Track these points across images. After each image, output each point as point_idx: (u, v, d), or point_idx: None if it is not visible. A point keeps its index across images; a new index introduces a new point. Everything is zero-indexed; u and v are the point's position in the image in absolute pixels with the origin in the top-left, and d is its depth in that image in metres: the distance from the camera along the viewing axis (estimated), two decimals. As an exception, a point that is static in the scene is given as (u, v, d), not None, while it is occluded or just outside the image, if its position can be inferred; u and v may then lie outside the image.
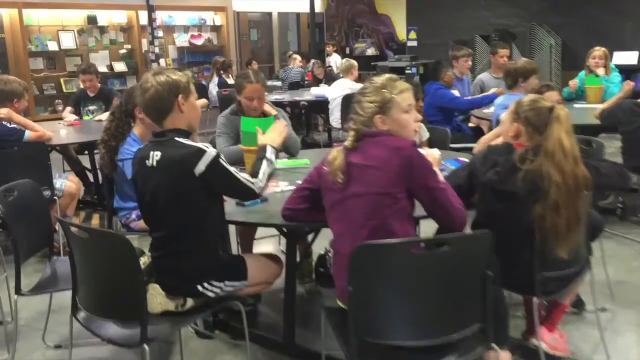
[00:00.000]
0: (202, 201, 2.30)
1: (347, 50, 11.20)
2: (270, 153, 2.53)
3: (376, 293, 1.87)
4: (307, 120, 7.73)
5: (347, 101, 6.25)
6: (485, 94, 5.36)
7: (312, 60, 8.92)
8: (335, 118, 6.33)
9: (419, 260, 1.86)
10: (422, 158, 2.07)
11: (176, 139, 2.30)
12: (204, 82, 9.81)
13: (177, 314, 2.34)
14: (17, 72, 9.99)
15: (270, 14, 13.58)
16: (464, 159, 3.25)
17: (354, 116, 2.19)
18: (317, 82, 7.75)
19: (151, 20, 8.65)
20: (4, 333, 3.18)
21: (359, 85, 6.42)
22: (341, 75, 7.15)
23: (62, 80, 10.56)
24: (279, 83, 9.02)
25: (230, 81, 8.54)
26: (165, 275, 2.33)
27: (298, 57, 8.98)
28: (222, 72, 8.69)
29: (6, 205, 2.66)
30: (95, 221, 5.11)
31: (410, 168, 2.02)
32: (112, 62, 11.20)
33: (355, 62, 6.53)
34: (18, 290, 2.63)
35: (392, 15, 11.48)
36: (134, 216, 3.30)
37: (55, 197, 4.13)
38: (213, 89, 8.64)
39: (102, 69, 10.95)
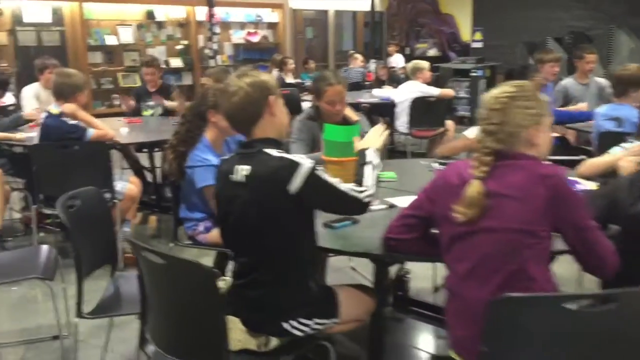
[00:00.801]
0: (295, 222, 1.95)
1: (408, 51, 10.75)
2: (373, 156, 2.18)
3: (517, 357, 1.49)
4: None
5: (417, 105, 5.85)
6: (578, 108, 4.88)
7: (372, 61, 8.52)
8: (402, 122, 5.93)
9: (576, 319, 1.47)
10: (571, 190, 1.67)
11: (266, 150, 1.96)
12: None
13: (259, 354, 2.00)
14: (76, 66, 9.91)
15: (326, 12, 13.23)
16: (574, 178, 2.80)
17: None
18: (379, 83, 7.35)
19: (210, 15, 8.41)
20: (60, 349, 2.93)
21: (431, 89, 6.12)
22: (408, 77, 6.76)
23: (119, 75, 10.45)
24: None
25: (289, 79, 8.22)
26: (248, 309, 1.99)
27: (359, 57, 8.60)
28: (279, 69, 8.37)
29: (70, 217, 2.37)
30: (152, 223, 4.86)
31: (559, 201, 1.63)
32: (169, 58, 11.05)
33: (425, 64, 6.10)
34: (79, 313, 2.34)
35: (457, 15, 10.95)
36: (201, 228, 2.99)
37: (116, 201, 3.87)
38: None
39: (160, 64, 10.82)
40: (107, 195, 3.85)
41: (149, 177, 5.29)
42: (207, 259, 3.34)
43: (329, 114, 3.13)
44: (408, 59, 10.32)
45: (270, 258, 1.97)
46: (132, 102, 5.68)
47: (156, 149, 5.06)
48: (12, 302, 3.53)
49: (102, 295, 2.52)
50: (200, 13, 11.11)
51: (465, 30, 10.87)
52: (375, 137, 2.32)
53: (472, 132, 2.14)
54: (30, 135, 4.43)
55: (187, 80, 11.11)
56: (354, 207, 2.02)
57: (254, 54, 12.19)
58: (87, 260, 2.41)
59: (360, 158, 2.18)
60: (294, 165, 1.89)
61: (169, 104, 5.57)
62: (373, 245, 2.07)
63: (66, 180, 3.77)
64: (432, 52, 11.06)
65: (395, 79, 7.46)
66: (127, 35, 10.46)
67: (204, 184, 2.83)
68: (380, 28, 13.62)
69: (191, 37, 11.15)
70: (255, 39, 11.97)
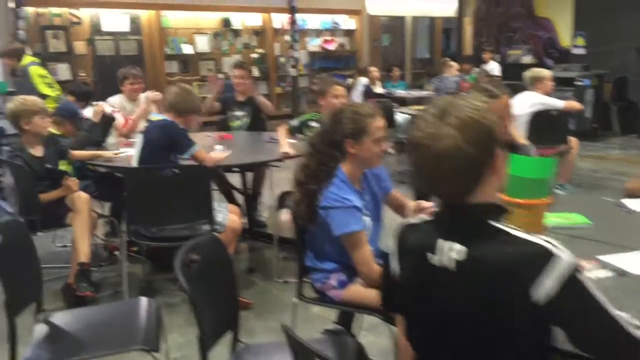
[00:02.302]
0: (528, 343, 1.25)
1: (498, 58, 9.92)
2: None
3: None
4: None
5: (538, 119, 5.09)
6: None
7: (476, 69, 7.78)
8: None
9: None
10: None
11: (492, 223, 1.28)
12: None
13: None
14: (153, 76, 9.60)
15: (402, 18, 12.55)
16: None
17: None
18: (480, 93, 6.64)
19: (292, 22, 7.90)
20: None
21: (555, 101, 5.29)
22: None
23: (194, 84, 10.08)
24: (424, 93, 8.00)
25: (377, 89, 7.60)
26: None
27: (454, 65, 7.87)
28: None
29: (190, 279, 1.79)
30: (243, 252, 4.31)
31: None
32: (244, 67, 10.61)
33: (546, 72, 5.33)
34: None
35: (555, 19, 9.99)
36: (334, 282, 2.37)
37: (216, 234, 3.31)
38: (356, 97, 7.73)
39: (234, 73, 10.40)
40: (206, 228, 3.31)
41: (238, 198, 4.76)
42: (333, 313, 2.74)
43: None
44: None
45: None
46: (220, 80, 5.12)
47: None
48: None
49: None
50: (277, 20, 10.66)
51: (565, 35, 9.89)
52: None
53: None
54: (124, 151, 3.96)
55: (262, 90, 10.64)
56: (628, 352, 1.22)
57: (329, 63, 11.64)
58: (210, 329, 1.83)
59: None
60: (546, 255, 1.19)
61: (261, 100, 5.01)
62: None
63: (161, 209, 3.26)
64: (527, 59, 10.16)
65: (498, 89, 6.70)
66: (203, 44, 10.09)
67: (343, 231, 2.21)
68: (457, 34, 12.84)
69: (267, 45, 10.69)
70: (331, 46, 11.41)
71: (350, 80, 11.60)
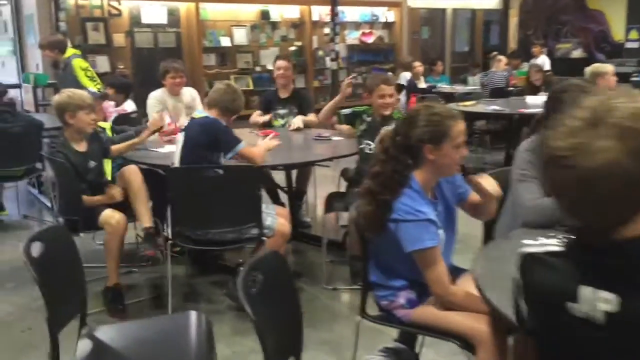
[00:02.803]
0: None
1: (545, 52, 9.49)
2: None
3: None
4: (516, 135, 6.25)
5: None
6: None
7: (524, 63, 7.41)
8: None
9: None
10: None
11: None
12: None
13: None
14: (191, 68, 9.44)
15: (443, 10, 12.17)
16: None
17: None
18: (532, 89, 6.28)
19: (333, 14, 7.63)
20: None
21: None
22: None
23: (232, 77, 9.92)
24: (468, 88, 7.66)
25: (421, 84, 7.29)
26: None
27: (503, 59, 7.50)
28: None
29: (254, 303, 1.57)
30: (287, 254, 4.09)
31: None
32: (282, 60, 10.40)
33: (608, 67, 4.97)
34: None
35: (607, 11, 9.50)
36: (402, 300, 2.13)
37: (264, 239, 3.11)
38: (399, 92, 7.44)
39: (271, 66, 10.17)
40: (254, 232, 3.10)
41: (281, 197, 4.54)
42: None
43: None
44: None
45: None
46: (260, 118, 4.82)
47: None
48: None
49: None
50: (316, 13, 10.41)
51: (618, 28, 9.40)
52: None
53: None
54: (164, 150, 3.78)
55: (300, 84, 10.41)
56: None
57: (368, 56, 11.35)
58: (273, 353, 1.61)
59: None
60: None
61: (305, 119, 4.68)
62: None
63: (207, 212, 3.07)
64: (577, 53, 9.70)
65: (552, 85, 6.34)
66: (241, 36, 9.91)
67: (415, 247, 1.97)
68: (500, 27, 12.41)
69: (305, 38, 10.45)
70: (370, 39, 11.11)
71: (389, 75, 11.31)
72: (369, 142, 3.60)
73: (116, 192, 3.38)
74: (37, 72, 8.04)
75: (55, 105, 3.35)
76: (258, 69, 10.13)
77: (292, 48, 10.45)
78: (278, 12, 10.13)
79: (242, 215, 3.09)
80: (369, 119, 3.68)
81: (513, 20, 10.92)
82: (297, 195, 4.55)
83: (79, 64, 5.28)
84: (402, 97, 7.38)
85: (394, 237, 2.00)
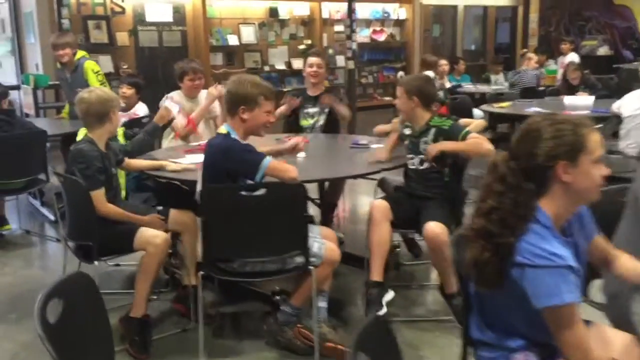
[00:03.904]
0: None
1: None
2: None
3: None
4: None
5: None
6: None
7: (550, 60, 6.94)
8: (632, 144, 4.39)
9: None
10: None
11: None
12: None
13: None
14: (196, 68, 8.97)
15: (455, 7, 11.73)
16: None
17: None
18: (569, 88, 5.81)
19: (350, 11, 7.16)
20: None
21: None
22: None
23: (240, 77, 9.44)
24: (495, 87, 7.18)
25: (446, 84, 6.81)
26: None
27: (534, 57, 7.03)
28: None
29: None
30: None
31: None
32: (290, 59, 9.94)
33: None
34: None
35: (634, 7, 9.03)
36: (517, 363, 1.66)
37: (311, 267, 2.63)
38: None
39: (280, 65, 9.76)
40: (299, 261, 2.62)
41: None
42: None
43: None
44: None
45: None
46: (296, 101, 4.29)
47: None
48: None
49: None
50: (326, 10, 9.94)
51: (646, 24, 8.98)
52: None
53: None
54: (187, 162, 3.29)
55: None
56: None
57: (378, 54, 10.91)
58: None
59: None
60: None
61: (341, 109, 4.20)
62: None
63: (246, 238, 2.58)
64: (603, 50, 9.24)
65: (590, 85, 5.89)
66: (248, 35, 9.43)
67: (550, 303, 1.49)
68: (515, 24, 11.97)
69: (315, 36, 9.99)
70: (381, 37, 10.66)
71: (400, 74, 10.83)
72: (412, 155, 3.13)
73: (158, 223, 2.91)
74: (37, 72, 7.53)
75: (99, 100, 2.84)
76: (267, 68, 9.66)
77: (302, 47, 9.99)
78: (287, 9, 9.67)
79: (286, 242, 2.61)
80: (408, 131, 3.20)
81: (533, 17, 10.46)
82: (329, 208, 4.08)
83: (91, 66, 4.87)
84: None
85: (516, 286, 1.53)
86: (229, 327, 3.13)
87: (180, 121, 4.01)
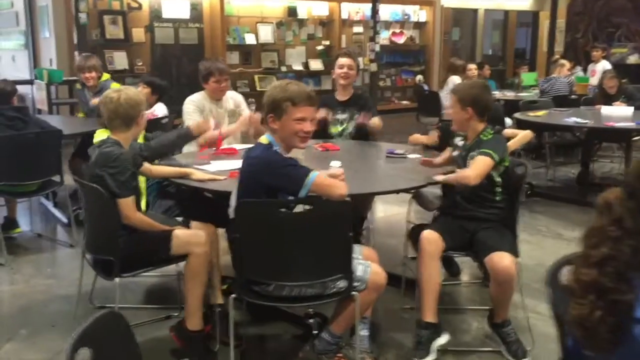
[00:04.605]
0: None
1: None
2: None
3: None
4: (585, 151, 5.46)
5: None
6: None
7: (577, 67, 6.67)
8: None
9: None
10: None
11: None
12: (425, 88, 7.91)
13: None
14: (213, 67, 8.73)
15: (475, 10, 11.46)
16: None
17: None
18: (605, 98, 5.53)
19: (375, 12, 6.91)
20: None
21: None
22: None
23: (256, 77, 9.20)
24: (524, 94, 6.91)
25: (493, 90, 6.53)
26: None
27: (567, 64, 6.75)
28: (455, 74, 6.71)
29: None
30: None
31: None
32: (308, 60, 9.69)
33: None
34: None
35: (667, 14, 8.76)
36: None
37: (354, 293, 2.37)
38: (447, 99, 6.68)
39: (297, 66, 9.51)
40: (342, 285, 2.36)
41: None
42: None
43: None
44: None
45: None
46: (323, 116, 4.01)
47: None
48: None
49: None
50: (345, 10, 9.70)
51: (679, 32, 8.68)
52: None
53: None
54: (214, 169, 3.04)
55: (326, 84, 9.71)
56: None
57: (397, 57, 10.65)
58: None
59: None
60: None
61: (372, 122, 3.92)
62: None
63: (285, 260, 2.33)
64: (633, 58, 8.94)
65: (628, 94, 5.60)
66: (266, 34, 9.18)
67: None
68: (536, 30, 11.69)
69: (333, 36, 9.75)
70: (400, 40, 10.39)
71: (419, 78, 10.57)
72: (462, 169, 2.85)
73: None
74: (51, 67, 7.30)
75: (128, 102, 2.61)
76: (284, 68, 9.42)
77: (320, 47, 9.75)
78: (306, 9, 9.43)
79: (328, 264, 2.35)
80: (461, 142, 2.93)
81: (560, 23, 10.17)
82: (358, 222, 3.81)
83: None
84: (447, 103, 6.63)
85: (635, 348, 1.26)
86: (256, 350, 2.88)
87: (211, 134, 3.73)
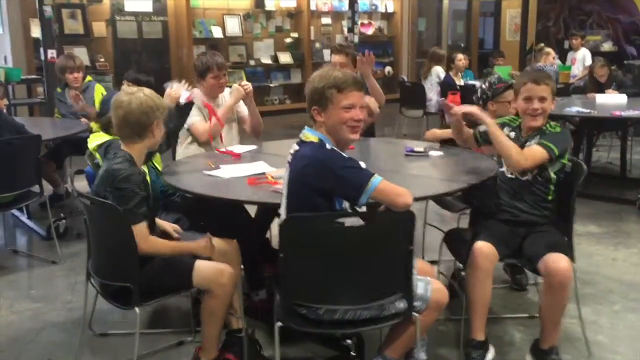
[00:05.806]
0: None
1: (567, 45, 8.69)
2: None
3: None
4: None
5: None
6: None
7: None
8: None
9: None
10: None
11: None
12: (405, 79, 7.69)
13: None
14: (177, 61, 8.29)
15: (441, 0, 11.38)
16: None
17: None
18: (596, 85, 5.45)
19: (353, 2, 6.63)
20: None
21: None
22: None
23: (224, 71, 8.79)
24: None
25: (459, 81, 6.37)
26: None
27: (552, 53, 6.65)
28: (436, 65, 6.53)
29: None
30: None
31: None
32: (277, 53, 9.35)
33: None
34: None
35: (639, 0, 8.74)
36: None
37: (415, 314, 2.11)
38: (431, 90, 6.46)
39: (266, 59, 9.16)
40: (401, 306, 2.10)
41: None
42: None
43: None
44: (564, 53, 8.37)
45: None
46: None
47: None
48: None
49: None
50: (313, 1, 9.40)
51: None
52: None
53: None
54: (226, 175, 2.71)
55: (295, 78, 9.41)
56: None
57: (366, 49, 10.37)
58: None
59: None
60: None
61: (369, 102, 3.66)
62: None
63: (337, 280, 2.05)
64: (607, 46, 8.95)
65: (619, 82, 5.53)
66: (233, 27, 8.79)
67: None
68: (499, 19, 11.71)
69: (302, 28, 9.44)
70: (369, 30, 10.17)
71: (388, 69, 10.38)
72: None
73: (208, 248, 2.37)
74: (7, 65, 6.69)
75: (141, 108, 2.22)
76: (252, 62, 9.05)
77: (288, 40, 9.42)
78: (273, 1, 9.06)
79: (387, 283, 2.08)
80: (512, 133, 2.70)
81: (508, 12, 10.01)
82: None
83: (100, 89, 4.85)
84: (434, 96, 6.45)
85: None
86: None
87: (202, 126, 3.40)
